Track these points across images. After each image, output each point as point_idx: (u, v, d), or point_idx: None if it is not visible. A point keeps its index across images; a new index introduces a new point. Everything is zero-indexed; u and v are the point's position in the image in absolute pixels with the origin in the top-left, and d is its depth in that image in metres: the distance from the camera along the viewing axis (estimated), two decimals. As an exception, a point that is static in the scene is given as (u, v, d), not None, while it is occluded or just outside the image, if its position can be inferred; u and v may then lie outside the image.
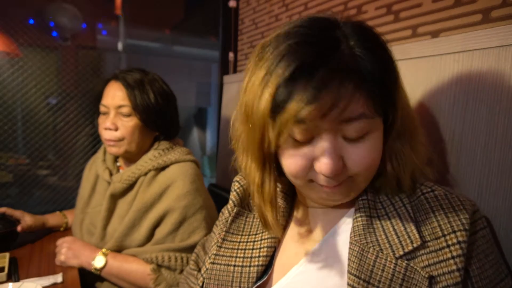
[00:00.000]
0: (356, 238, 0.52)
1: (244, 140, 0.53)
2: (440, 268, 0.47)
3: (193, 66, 2.21)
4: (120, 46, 1.84)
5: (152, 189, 1.05)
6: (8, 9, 1.55)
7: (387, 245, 0.50)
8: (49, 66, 1.63)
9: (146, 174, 1.08)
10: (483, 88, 0.62)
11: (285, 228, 0.63)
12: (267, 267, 0.61)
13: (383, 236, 0.51)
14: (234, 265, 0.60)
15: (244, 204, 0.69)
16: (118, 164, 1.20)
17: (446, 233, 0.48)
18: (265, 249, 0.60)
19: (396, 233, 0.51)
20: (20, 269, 1.02)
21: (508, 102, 0.59)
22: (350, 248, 0.52)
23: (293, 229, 0.63)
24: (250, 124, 0.49)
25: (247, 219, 0.66)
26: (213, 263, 0.62)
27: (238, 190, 0.69)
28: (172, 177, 1.05)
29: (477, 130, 0.63)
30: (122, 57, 1.86)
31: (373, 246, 0.50)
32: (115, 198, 1.10)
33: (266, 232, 0.61)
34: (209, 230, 1.05)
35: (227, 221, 0.67)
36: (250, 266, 0.59)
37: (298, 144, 0.48)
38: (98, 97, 1.12)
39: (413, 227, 0.50)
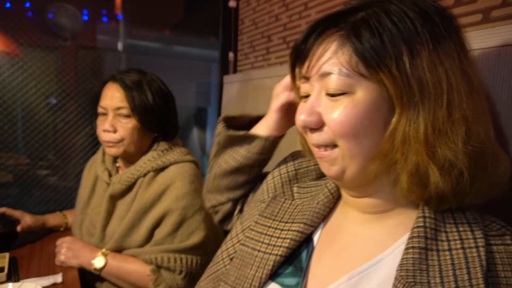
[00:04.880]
0: (402, 274, 0.43)
1: None
2: None
3: (193, 66, 2.21)
4: (120, 46, 1.84)
5: (151, 190, 1.05)
6: (8, 9, 1.55)
7: None
8: (49, 66, 1.63)
9: (145, 175, 1.07)
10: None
11: (319, 224, 0.58)
12: (291, 264, 0.56)
13: (438, 279, 0.41)
14: (259, 250, 0.58)
15: (284, 189, 0.65)
16: (117, 165, 1.20)
17: None
18: (288, 240, 0.55)
19: (455, 280, 0.40)
20: (20, 269, 1.02)
21: (508, 102, 0.59)
22: (394, 284, 0.43)
23: (329, 233, 0.56)
24: None
25: (284, 205, 0.62)
26: (242, 244, 0.61)
27: (283, 175, 0.67)
28: (171, 178, 1.05)
29: (477, 130, 0.63)
30: (122, 57, 1.86)
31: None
32: (114, 199, 1.10)
33: (296, 224, 0.57)
34: (208, 231, 1.05)
35: (263, 202, 0.64)
36: (270, 254, 0.56)
37: (303, 101, 0.53)
38: (96, 98, 1.12)
39: (480, 280, 0.39)
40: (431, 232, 0.44)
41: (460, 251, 0.42)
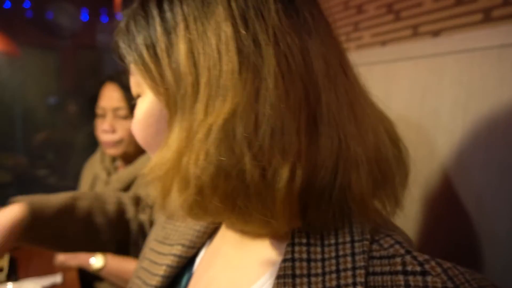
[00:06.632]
0: None
1: None
2: None
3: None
4: (119, 45, 1.84)
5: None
6: (8, 9, 1.55)
7: None
8: (48, 66, 1.63)
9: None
10: (484, 88, 0.62)
11: (204, 243, 0.48)
12: None
13: None
14: (147, 284, 0.47)
15: None
16: (116, 164, 1.20)
17: None
18: (164, 267, 0.46)
19: None
20: (20, 269, 1.02)
21: (509, 102, 0.58)
22: None
23: (209, 255, 0.47)
24: None
25: (177, 223, 0.52)
26: (137, 277, 0.51)
27: None
28: (171, 177, 1.05)
29: (477, 130, 0.63)
30: (122, 57, 1.85)
31: None
32: (114, 198, 1.10)
33: (175, 246, 0.47)
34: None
35: (160, 225, 0.54)
36: (147, 285, 0.46)
37: None
38: (93, 99, 1.12)
39: None
40: (302, 265, 0.33)
41: None
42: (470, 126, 0.64)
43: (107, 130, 1.06)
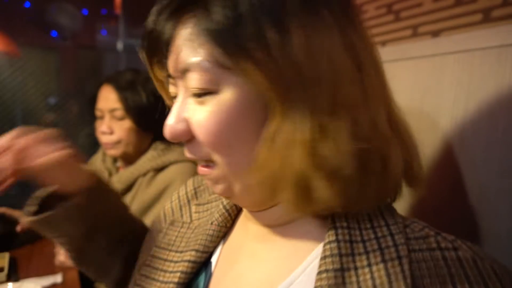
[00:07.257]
0: None
1: None
2: None
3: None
4: (119, 45, 1.84)
5: (151, 189, 1.05)
6: (8, 9, 1.55)
7: None
8: (48, 66, 1.63)
9: (144, 174, 1.08)
10: (484, 87, 0.62)
11: (218, 245, 0.48)
12: None
13: None
14: None
15: (183, 212, 0.54)
16: (117, 164, 1.20)
17: None
18: (179, 274, 0.45)
19: None
20: (20, 269, 1.02)
21: (509, 102, 0.59)
22: None
23: (228, 254, 0.47)
24: None
25: (181, 230, 0.51)
26: (137, 285, 0.50)
27: (182, 197, 0.55)
28: (171, 177, 1.05)
29: (477, 130, 0.63)
30: (121, 57, 1.85)
31: None
32: (114, 199, 1.10)
33: (188, 252, 0.47)
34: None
35: (160, 232, 0.53)
36: None
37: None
38: (92, 100, 1.13)
39: None
40: (346, 246, 0.35)
41: (381, 265, 0.33)
42: (470, 126, 0.64)
43: (105, 132, 1.06)
